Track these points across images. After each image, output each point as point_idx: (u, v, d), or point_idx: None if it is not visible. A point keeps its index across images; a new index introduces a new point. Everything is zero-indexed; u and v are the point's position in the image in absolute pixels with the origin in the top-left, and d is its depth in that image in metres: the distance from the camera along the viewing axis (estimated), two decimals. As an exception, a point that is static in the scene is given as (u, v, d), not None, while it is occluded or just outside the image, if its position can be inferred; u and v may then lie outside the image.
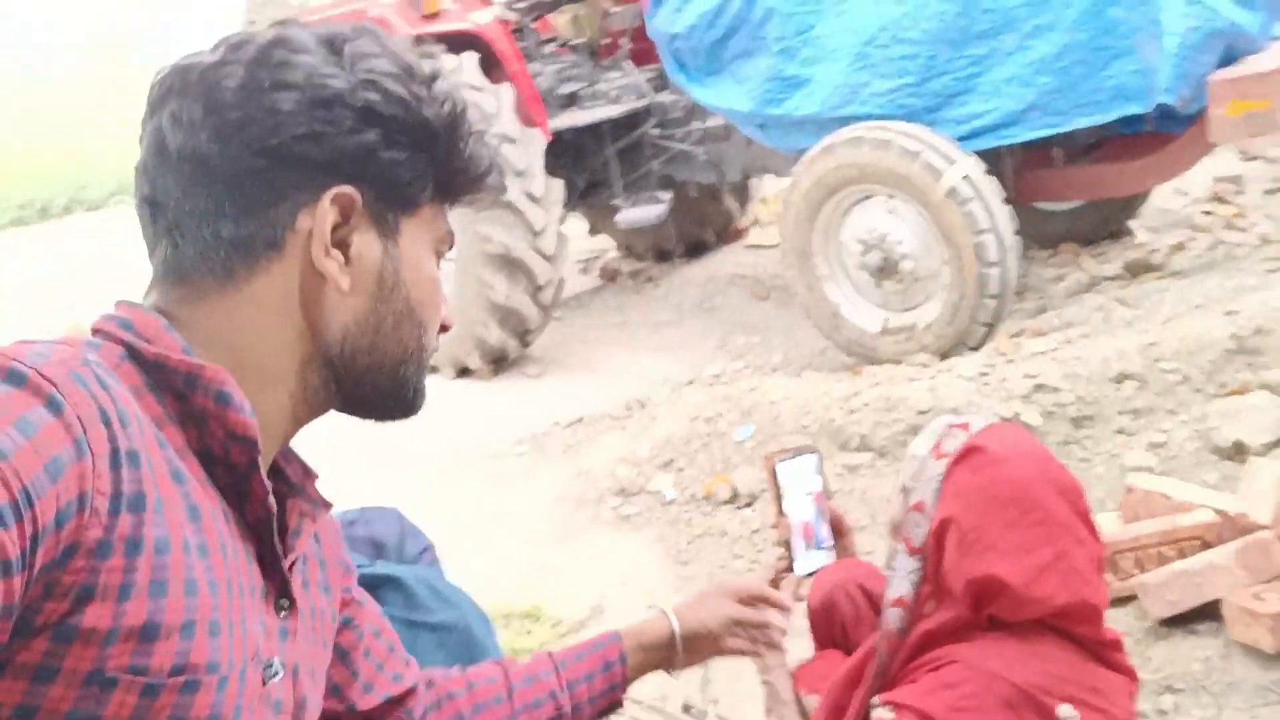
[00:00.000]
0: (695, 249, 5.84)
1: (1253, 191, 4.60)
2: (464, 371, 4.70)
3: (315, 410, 0.87)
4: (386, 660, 1.07)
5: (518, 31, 4.92)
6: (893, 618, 1.44)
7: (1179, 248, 4.16)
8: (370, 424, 0.94)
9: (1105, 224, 4.44)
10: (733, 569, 2.79)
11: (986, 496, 1.31)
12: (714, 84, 4.06)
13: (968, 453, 1.35)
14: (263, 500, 0.80)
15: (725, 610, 1.27)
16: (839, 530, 1.73)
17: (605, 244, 6.30)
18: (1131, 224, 4.50)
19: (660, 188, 4.90)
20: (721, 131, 4.51)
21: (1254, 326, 2.75)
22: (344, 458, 3.76)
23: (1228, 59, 3.13)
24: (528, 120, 4.46)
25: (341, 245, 0.81)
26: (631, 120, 4.75)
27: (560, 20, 5.21)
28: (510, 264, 4.39)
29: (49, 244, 9.93)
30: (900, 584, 1.42)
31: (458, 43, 4.49)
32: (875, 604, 1.60)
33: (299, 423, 0.87)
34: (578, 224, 6.03)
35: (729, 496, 3.02)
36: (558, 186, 4.50)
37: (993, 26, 3.31)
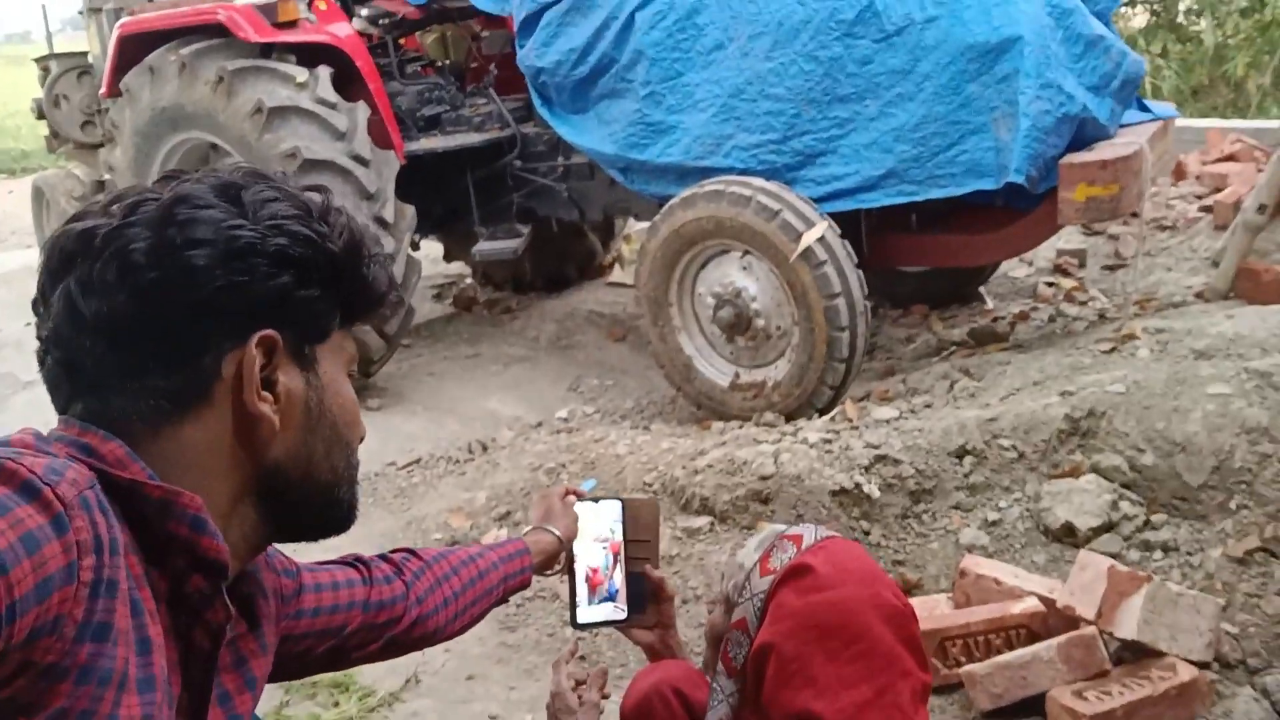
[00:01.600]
0: (556, 282, 5.73)
1: (1093, 266, 4.78)
2: (299, 400, 4.43)
3: (254, 545, 0.91)
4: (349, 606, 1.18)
5: (380, 47, 4.72)
6: (710, 744, 1.33)
7: (1022, 317, 4.26)
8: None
9: (955, 288, 4.53)
10: (561, 636, 2.66)
11: (810, 624, 1.22)
12: (579, 122, 3.95)
13: (795, 571, 1.26)
14: (216, 629, 0.83)
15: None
16: (660, 595, 1.63)
17: (462, 270, 6.12)
18: (981, 290, 4.61)
19: (520, 220, 4.76)
20: (585, 170, 4.40)
21: (1087, 408, 2.79)
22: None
23: (1079, 143, 3.21)
24: (382, 141, 4.26)
25: (268, 385, 0.85)
26: (494, 150, 4.59)
27: (427, 40, 5.04)
28: (355, 291, 4.16)
29: None
30: (719, 708, 1.32)
31: (313, 55, 4.26)
32: (693, 712, 1.50)
33: (239, 559, 0.89)
34: (433, 247, 5.85)
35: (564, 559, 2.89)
36: (409, 213, 4.30)
37: (856, 91, 3.31)
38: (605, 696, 1.58)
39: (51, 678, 0.67)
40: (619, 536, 1.63)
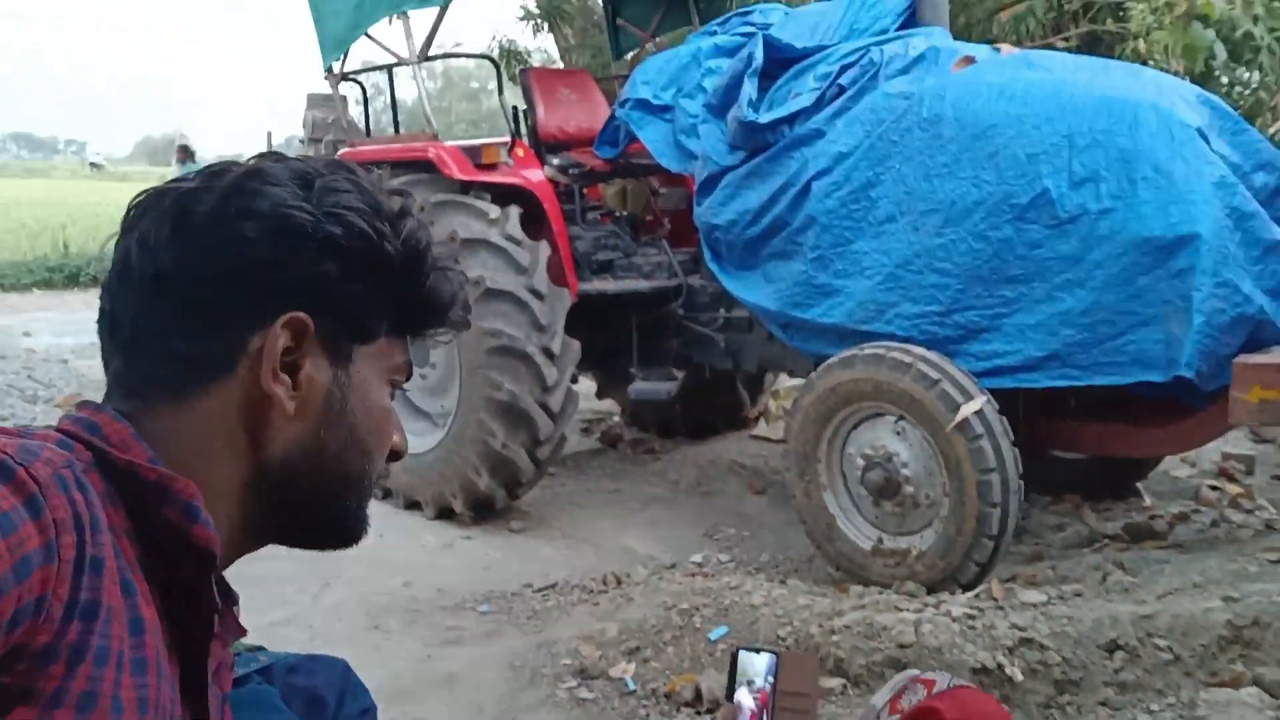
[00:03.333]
0: (700, 429, 5.84)
1: (1261, 474, 4.58)
2: (445, 513, 4.61)
3: (253, 538, 0.88)
4: None
5: (567, 194, 5.07)
6: None
7: (1182, 518, 4.10)
8: (316, 553, 0.95)
9: (1112, 481, 4.40)
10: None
11: None
12: (746, 278, 4.12)
13: (922, 714, 1.28)
14: (205, 621, 0.80)
15: None
16: None
17: (612, 408, 6.31)
18: (1139, 486, 4.47)
19: (676, 365, 4.93)
20: (745, 323, 4.56)
21: (1252, 617, 2.67)
22: (283, 588, 3.66)
23: (1254, 345, 3.16)
24: (558, 279, 4.54)
25: (291, 370, 0.83)
26: (660, 296, 4.82)
27: (609, 191, 5.38)
28: (514, 414, 4.37)
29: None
30: (855, 845, 1.33)
31: (507, 195, 4.62)
32: None
33: (237, 549, 0.87)
34: (586, 384, 6.07)
35: (692, 698, 2.89)
36: (575, 347, 4.53)
37: (1024, 273, 3.37)
38: None
39: (45, 660, 0.66)
40: (768, 687, 1.70)
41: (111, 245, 0.87)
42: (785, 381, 5.94)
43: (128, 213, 0.85)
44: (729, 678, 1.71)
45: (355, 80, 5.45)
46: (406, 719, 2.85)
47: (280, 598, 3.68)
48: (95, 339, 0.87)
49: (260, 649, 1.30)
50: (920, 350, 3.43)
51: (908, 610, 2.99)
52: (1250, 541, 3.63)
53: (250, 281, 0.81)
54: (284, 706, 1.27)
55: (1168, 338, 3.15)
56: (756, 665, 1.73)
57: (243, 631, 0.92)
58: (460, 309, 0.94)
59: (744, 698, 1.69)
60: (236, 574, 0.90)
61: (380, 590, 3.82)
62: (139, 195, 0.86)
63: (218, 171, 0.85)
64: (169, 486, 0.76)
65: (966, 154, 3.49)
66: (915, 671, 1.38)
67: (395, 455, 0.93)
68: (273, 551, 0.95)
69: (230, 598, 0.89)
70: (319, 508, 0.88)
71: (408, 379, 0.93)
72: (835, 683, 2.83)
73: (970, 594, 3.21)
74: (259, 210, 0.81)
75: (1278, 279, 3.19)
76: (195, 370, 0.82)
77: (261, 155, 0.88)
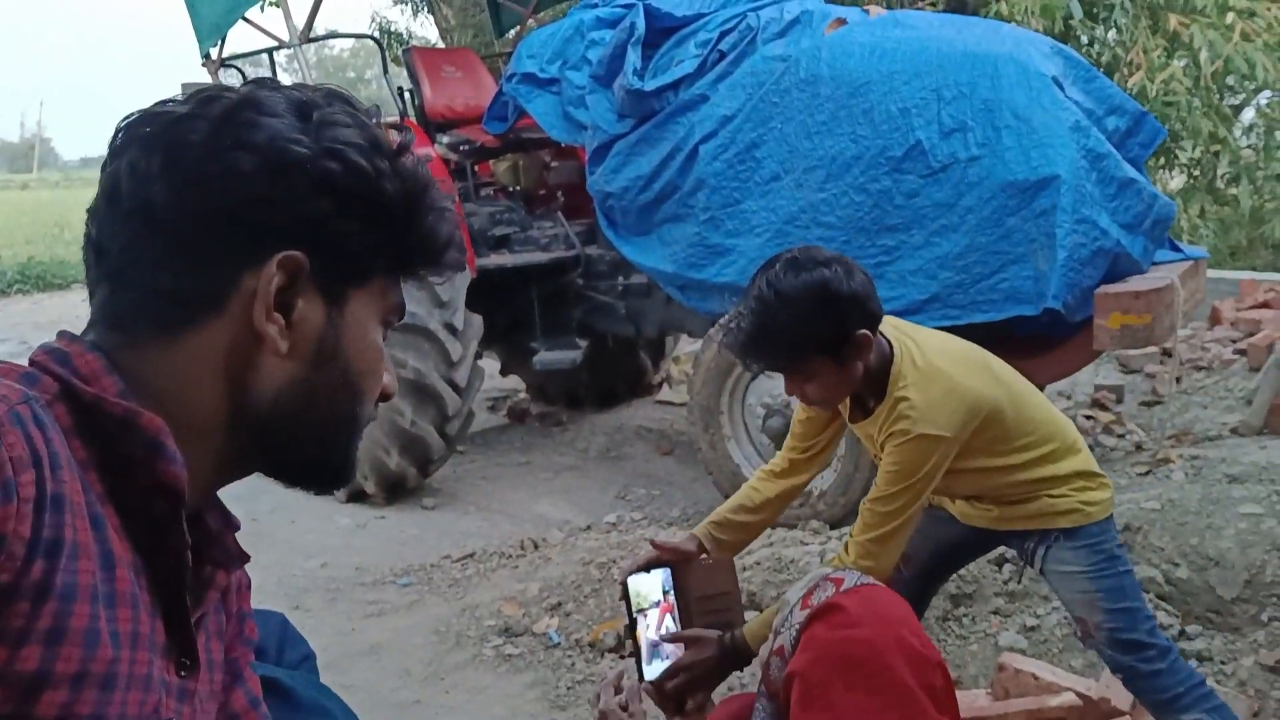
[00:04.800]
0: (606, 398, 5.95)
1: (1130, 402, 4.91)
2: (357, 495, 4.61)
3: (239, 470, 0.86)
4: None
5: (459, 172, 5.10)
6: (751, 759, 1.45)
7: (1061, 447, 4.38)
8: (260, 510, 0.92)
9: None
10: (610, 718, 2.75)
11: (835, 655, 1.31)
12: (641, 243, 4.23)
13: (828, 609, 1.36)
14: (179, 555, 0.78)
15: None
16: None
17: (517, 385, 6.37)
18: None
19: (579, 335, 5.03)
20: (643, 288, 4.67)
21: (1123, 523, 2.91)
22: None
23: (1113, 277, 3.41)
24: (457, 255, 4.57)
25: (284, 309, 0.80)
26: (559, 268, 4.90)
27: (500, 167, 5.42)
28: (421, 391, 4.40)
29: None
30: (759, 726, 1.45)
31: (398, 174, 4.62)
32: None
33: (221, 481, 0.86)
34: (490, 364, 6.11)
35: (614, 644, 3.00)
36: (478, 322, 4.58)
37: (903, 221, 3.55)
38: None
39: (10, 598, 0.65)
40: (670, 599, 1.81)
41: None
42: (686, 346, 6.09)
43: (115, 135, 0.81)
44: (626, 608, 1.80)
45: (235, 67, 5.36)
46: (335, 689, 2.89)
47: (196, 587, 3.66)
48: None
49: None
50: (810, 300, 3.59)
51: (813, 544, 3.16)
52: (1121, 460, 3.92)
53: (244, 218, 0.77)
54: None
55: (1036, 273, 3.37)
56: (649, 585, 1.83)
57: (245, 557, 0.90)
58: (455, 251, 0.89)
59: (648, 621, 1.80)
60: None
61: (297, 573, 3.83)
62: (128, 117, 0.81)
63: (210, 98, 0.80)
64: (134, 421, 0.74)
65: (843, 111, 3.66)
66: (828, 570, 1.49)
67: (384, 396, 0.90)
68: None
69: (231, 523, 0.88)
70: (308, 447, 0.85)
71: (400, 319, 0.91)
72: (749, 616, 2.98)
73: (870, 526, 3.39)
74: (254, 142, 0.77)
75: (1131, 213, 3.45)
76: (184, 308, 0.78)
77: (256, 82, 0.84)
